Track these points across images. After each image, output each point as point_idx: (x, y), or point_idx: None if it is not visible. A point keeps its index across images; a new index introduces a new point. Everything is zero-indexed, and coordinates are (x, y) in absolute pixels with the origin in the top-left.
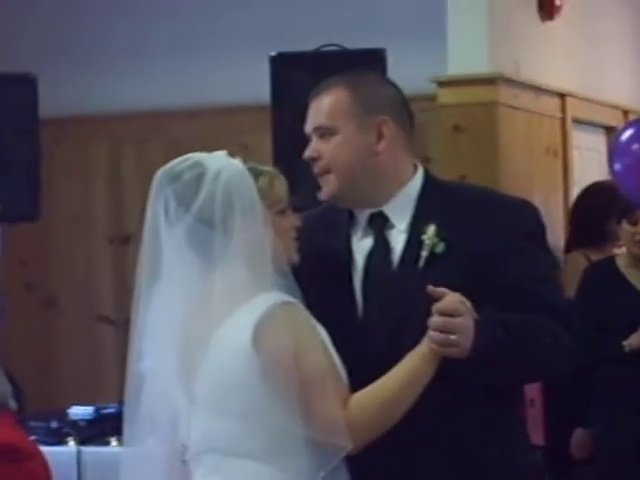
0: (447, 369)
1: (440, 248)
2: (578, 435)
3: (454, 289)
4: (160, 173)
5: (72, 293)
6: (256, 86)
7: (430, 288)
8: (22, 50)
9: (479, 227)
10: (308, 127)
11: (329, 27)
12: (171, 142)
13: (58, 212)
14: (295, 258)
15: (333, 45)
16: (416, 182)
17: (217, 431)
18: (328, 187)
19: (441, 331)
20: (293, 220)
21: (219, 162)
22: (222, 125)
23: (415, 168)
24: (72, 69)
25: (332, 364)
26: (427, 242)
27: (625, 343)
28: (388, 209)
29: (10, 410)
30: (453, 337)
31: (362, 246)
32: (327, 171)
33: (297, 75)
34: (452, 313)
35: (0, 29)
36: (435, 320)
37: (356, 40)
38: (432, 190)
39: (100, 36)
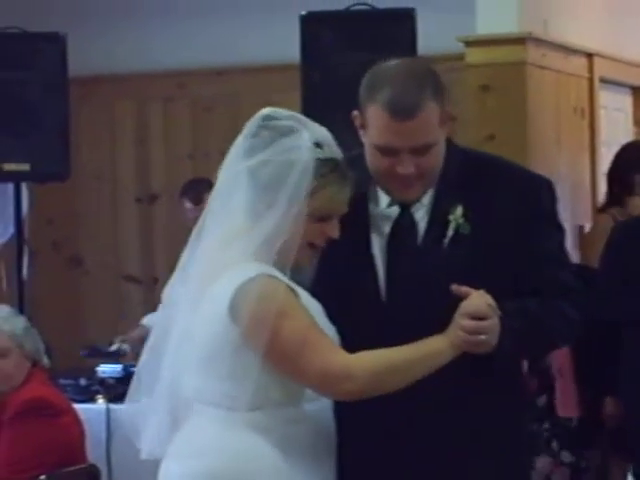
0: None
1: (466, 229)
2: (609, 403)
3: (477, 269)
4: (259, 117)
5: (98, 252)
6: (285, 45)
7: (455, 287)
8: (51, 9)
9: (499, 206)
10: (398, 144)
11: None
12: (198, 101)
13: (84, 171)
14: (307, 266)
15: (363, 4)
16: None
17: (204, 387)
18: (416, 191)
19: (472, 333)
20: (330, 229)
21: (302, 141)
22: (250, 84)
23: None
24: (100, 28)
25: (315, 323)
26: (453, 222)
27: None
28: None
29: (44, 367)
30: (483, 338)
31: (388, 214)
32: (419, 177)
33: (327, 34)
34: (482, 317)
35: None
36: (467, 324)
37: None
38: (454, 163)
39: None
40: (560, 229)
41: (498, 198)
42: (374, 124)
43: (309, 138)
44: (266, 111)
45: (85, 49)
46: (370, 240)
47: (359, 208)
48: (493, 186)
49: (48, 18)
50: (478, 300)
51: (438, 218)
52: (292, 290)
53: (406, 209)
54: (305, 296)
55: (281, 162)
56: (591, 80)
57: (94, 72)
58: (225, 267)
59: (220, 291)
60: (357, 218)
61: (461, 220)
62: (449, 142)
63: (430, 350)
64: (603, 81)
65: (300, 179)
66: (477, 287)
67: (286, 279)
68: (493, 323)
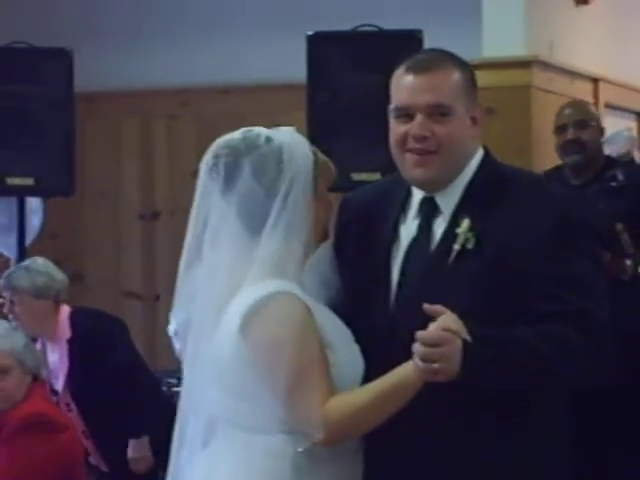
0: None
1: (471, 244)
2: None
3: (482, 286)
4: (223, 143)
5: (100, 268)
6: (291, 65)
7: (426, 306)
8: (58, 25)
9: (516, 222)
10: (414, 101)
11: (366, 7)
12: (202, 118)
13: (88, 187)
14: (326, 239)
15: (370, 25)
16: (471, 168)
17: (215, 401)
18: (430, 168)
19: (424, 360)
20: (331, 197)
21: (290, 138)
22: (255, 103)
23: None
24: (106, 44)
25: (320, 358)
26: (461, 236)
27: None
28: (439, 195)
29: (43, 382)
30: (436, 365)
31: (411, 228)
32: (434, 152)
33: (333, 55)
34: (435, 344)
35: (36, 4)
36: (417, 350)
37: (392, 21)
38: (483, 178)
39: (134, 12)
40: (588, 256)
41: (524, 218)
42: (395, 88)
43: (288, 132)
44: (224, 138)
45: (91, 65)
46: (392, 248)
47: (390, 226)
48: (522, 205)
49: (55, 34)
50: (438, 324)
51: (450, 232)
52: (308, 309)
53: (426, 219)
54: (325, 312)
55: (292, 164)
56: (596, 105)
57: (100, 88)
58: (242, 286)
59: (235, 307)
60: (388, 225)
61: (468, 234)
62: (486, 155)
63: (393, 385)
64: (608, 106)
65: (308, 168)
66: (478, 306)
67: (304, 295)
68: (449, 349)
